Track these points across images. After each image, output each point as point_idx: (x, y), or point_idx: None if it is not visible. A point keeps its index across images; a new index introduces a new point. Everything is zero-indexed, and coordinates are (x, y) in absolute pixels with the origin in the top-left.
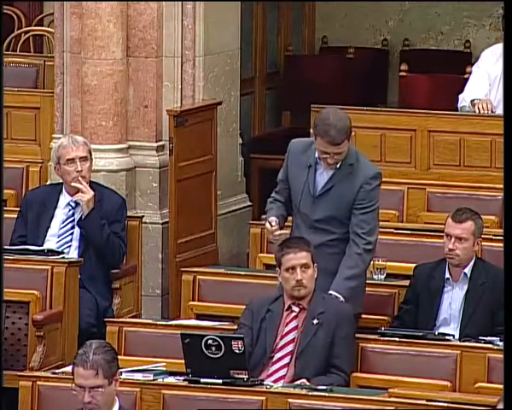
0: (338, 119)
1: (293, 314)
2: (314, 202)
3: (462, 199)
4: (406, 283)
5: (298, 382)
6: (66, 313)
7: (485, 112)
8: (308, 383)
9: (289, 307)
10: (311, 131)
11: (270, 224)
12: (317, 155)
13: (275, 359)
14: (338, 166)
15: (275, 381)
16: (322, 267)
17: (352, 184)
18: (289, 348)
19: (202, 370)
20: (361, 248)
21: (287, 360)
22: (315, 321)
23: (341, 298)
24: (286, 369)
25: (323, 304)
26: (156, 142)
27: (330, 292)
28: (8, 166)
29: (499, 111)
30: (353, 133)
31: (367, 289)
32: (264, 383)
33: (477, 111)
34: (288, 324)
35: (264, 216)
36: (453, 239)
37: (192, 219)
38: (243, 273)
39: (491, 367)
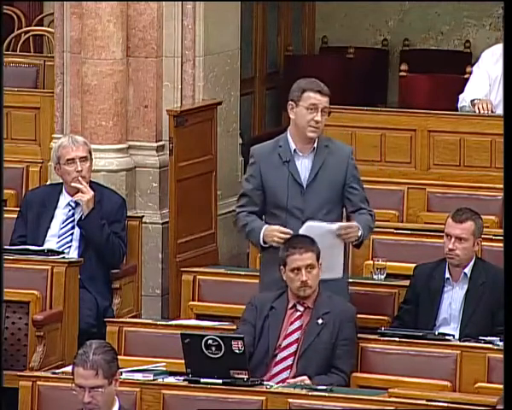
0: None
1: (298, 314)
2: (305, 192)
3: (462, 199)
4: (406, 283)
5: (298, 380)
6: (66, 313)
7: (485, 112)
8: (308, 382)
9: (294, 306)
10: (290, 102)
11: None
12: (294, 147)
13: (278, 359)
14: (315, 148)
15: (278, 383)
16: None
17: (337, 163)
18: (292, 348)
19: (202, 370)
20: (372, 213)
21: (290, 361)
22: (319, 321)
23: (361, 231)
24: (289, 371)
25: (329, 304)
26: (156, 142)
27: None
28: (8, 166)
29: (499, 111)
30: (353, 133)
31: (367, 289)
32: (265, 383)
33: (477, 111)
34: (292, 323)
35: (247, 229)
36: (453, 239)
37: (192, 219)
38: (243, 273)
39: (491, 367)
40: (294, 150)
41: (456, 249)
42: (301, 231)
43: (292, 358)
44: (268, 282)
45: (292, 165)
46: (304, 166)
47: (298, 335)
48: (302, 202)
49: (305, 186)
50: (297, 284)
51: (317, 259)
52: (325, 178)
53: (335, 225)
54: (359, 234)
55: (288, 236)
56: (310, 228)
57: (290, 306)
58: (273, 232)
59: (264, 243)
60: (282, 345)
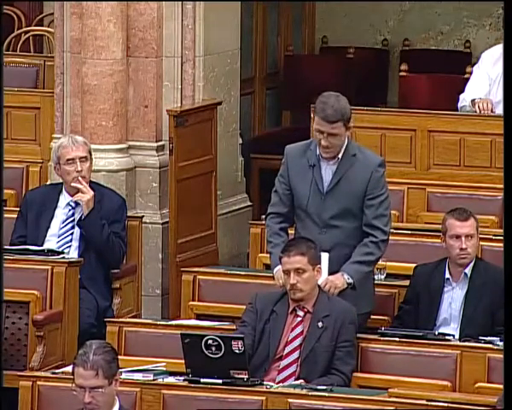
0: (337, 100)
1: (299, 319)
2: (324, 198)
3: (462, 199)
4: (406, 283)
5: (297, 382)
6: (66, 313)
7: (485, 111)
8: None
9: (294, 310)
10: (312, 115)
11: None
12: (318, 153)
13: (281, 367)
14: (340, 157)
15: (278, 383)
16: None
17: (360, 173)
18: (295, 354)
19: (202, 370)
20: (378, 239)
21: (293, 367)
22: (319, 324)
23: (350, 279)
24: (293, 377)
25: (329, 306)
26: (156, 142)
27: (341, 273)
28: (8, 166)
29: (499, 111)
30: (353, 133)
31: None
32: (265, 383)
33: (477, 110)
34: (293, 329)
35: (269, 249)
36: (463, 238)
37: (192, 219)
38: (243, 273)
39: (491, 367)
40: (321, 155)
41: (468, 248)
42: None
43: (295, 364)
44: None
45: (317, 170)
46: (327, 172)
47: (299, 341)
48: (320, 207)
49: (324, 193)
50: (287, 286)
51: (311, 263)
52: (345, 188)
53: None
54: (348, 281)
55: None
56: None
57: (291, 310)
58: (278, 280)
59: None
60: (285, 352)
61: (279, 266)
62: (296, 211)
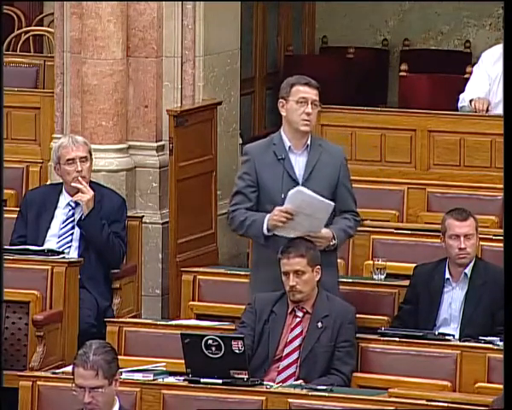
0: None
1: (298, 320)
2: None
3: (462, 199)
4: (406, 283)
5: (297, 382)
6: (66, 313)
7: (481, 111)
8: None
9: (293, 311)
10: (281, 100)
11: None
12: (288, 145)
13: (281, 368)
14: (308, 145)
15: (278, 383)
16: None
17: (332, 161)
18: (295, 355)
19: (202, 370)
20: (357, 218)
21: (293, 368)
22: (319, 324)
23: (334, 241)
24: (293, 378)
25: (328, 306)
26: (156, 142)
27: (326, 230)
28: (8, 166)
29: (499, 111)
30: (353, 133)
31: (367, 289)
32: (265, 383)
33: (473, 109)
34: (292, 330)
35: (247, 223)
36: (462, 238)
37: (192, 219)
38: (243, 273)
39: (491, 367)
40: (289, 147)
41: (467, 247)
42: (290, 193)
43: (295, 365)
44: (260, 281)
45: (287, 162)
46: (299, 163)
47: (299, 341)
48: None
49: (300, 183)
50: (287, 288)
51: (311, 264)
52: (320, 176)
53: (328, 202)
54: (332, 243)
55: (289, 215)
56: (300, 193)
57: (290, 310)
58: (274, 214)
59: (268, 231)
60: (284, 353)
61: (268, 215)
62: (265, 207)
